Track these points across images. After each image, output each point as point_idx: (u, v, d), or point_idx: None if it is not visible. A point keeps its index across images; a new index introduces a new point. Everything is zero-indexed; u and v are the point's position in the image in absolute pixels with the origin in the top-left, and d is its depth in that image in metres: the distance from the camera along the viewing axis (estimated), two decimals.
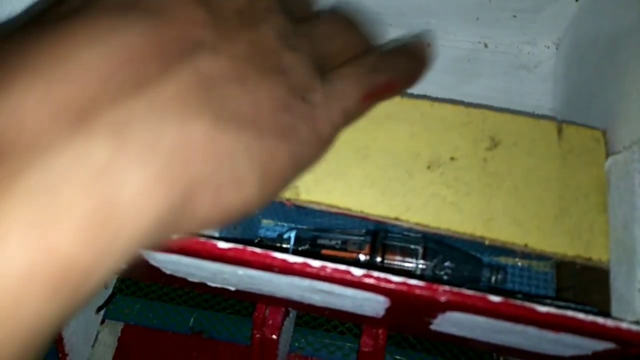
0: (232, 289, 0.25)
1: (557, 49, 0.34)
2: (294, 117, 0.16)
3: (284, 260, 0.17)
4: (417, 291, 0.17)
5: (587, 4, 0.31)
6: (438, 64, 0.35)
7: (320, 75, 0.18)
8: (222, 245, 0.18)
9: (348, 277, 0.17)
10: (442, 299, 0.17)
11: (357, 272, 0.17)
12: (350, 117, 0.20)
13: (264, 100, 0.15)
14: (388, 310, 0.21)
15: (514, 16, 0.34)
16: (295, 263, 0.17)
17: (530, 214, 0.21)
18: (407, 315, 0.22)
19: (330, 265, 0.17)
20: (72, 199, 0.12)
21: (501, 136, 0.23)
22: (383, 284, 0.17)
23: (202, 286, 0.26)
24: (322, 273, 0.17)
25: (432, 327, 0.23)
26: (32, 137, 0.12)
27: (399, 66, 0.23)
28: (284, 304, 0.27)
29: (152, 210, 0.13)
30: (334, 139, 0.19)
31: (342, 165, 0.23)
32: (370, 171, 0.23)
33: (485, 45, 0.36)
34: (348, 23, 0.22)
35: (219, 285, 0.25)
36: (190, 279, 0.24)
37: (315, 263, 0.17)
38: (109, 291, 0.39)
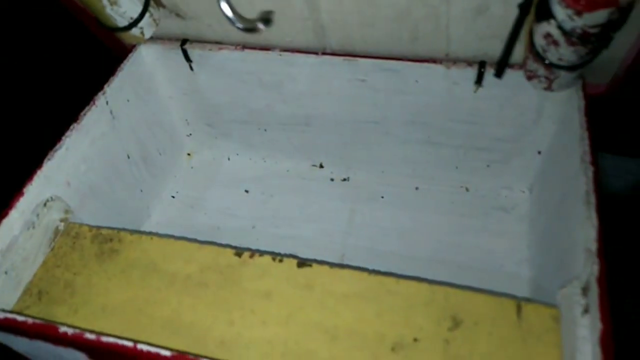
0: None
1: (530, 193, 0.38)
2: None
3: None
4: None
5: (547, 157, 0.34)
6: (426, 204, 0.39)
7: None
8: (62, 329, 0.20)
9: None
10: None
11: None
12: None
13: None
14: None
15: (488, 166, 0.36)
16: None
17: None
18: None
19: None
20: None
21: (463, 315, 0.23)
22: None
23: None
24: None
25: None
26: None
27: None
28: None
29: None
30: None
31: (312, 346, 0.23)
32: (336, 354, 0.23)
33: (467, 189, 0.39)
34: None
35: None
36: None
37: None
38: None
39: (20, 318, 0.22)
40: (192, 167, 0.43)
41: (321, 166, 0.41)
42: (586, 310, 0.21)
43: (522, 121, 0.33)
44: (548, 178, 0.33)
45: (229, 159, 0.43)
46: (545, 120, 0.32)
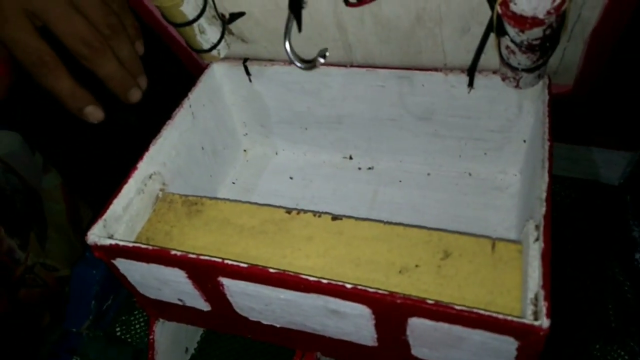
0: (278, 325, 0.35)
1: (521, 176, 0.46)
2: None
3: (306, 279, 0.29)
4: (387, 297, 0.27)
5: (529, 144, 0.43)
6: (436, 186, 0.47)
7: None
8: (271, 270, 0.29)
9: (343, 289, 0.28)
10: (399, 301, 0.27)
11: (348, 285, 0.28)
12: None
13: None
14: (376, 328, 0.31)
15: (485, 154, 0.45)
16: (313, 280, 0.29)
17: (467, 304, 0.27)
18: (389, 332, 0.31)
19: (333, 282, 0.28)
20: None
21: (452, 250, 0.32)
22: (364, 293, 0.28)
23: (257, 327, 0.36)
24: (328, 287, 0.28)
25: (413, 351, 0.32)
26: None
27: None
28: (314, 344, 0.37)
29: None
30: None
31: (340, 271, 0.32)
32: (360, 275, 0.31)
33: (469, 174, 0.47)
34: None
35: (269, 323, 0.35)
36: (251, 317, 0.35)
37: (324, 281, 0.29)
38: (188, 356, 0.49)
39: (143, 246, 0.32)
40: (247, 160, 0.53)
41: (350, 158, 0.51)
42: (537, 239, 0.29)
43: (507, 115, 0.41)
44: (529, 160, 0.41)
45: (276, 153, 0.53)
46: (525, 114, 0.40)
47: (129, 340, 0.53)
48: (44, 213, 0.58)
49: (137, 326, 0.54)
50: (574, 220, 0.51)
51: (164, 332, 0.44)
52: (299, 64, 0.34)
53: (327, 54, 0.35)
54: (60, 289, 0.58)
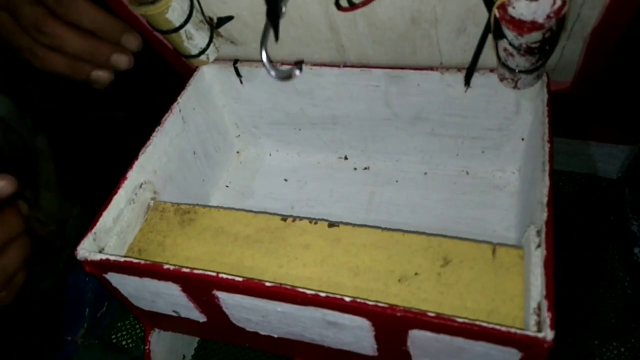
0: (275, 336, 0.35)
1: (519, 173, 0.45)
2: None
3: (304, 292, 0.28)
4: (387, 310, 0.27)
5: (528, 142, 0.42)
6: (433, 185, 0.47)
7: None
8: (267, 283, 0.29)
9: (342, 302, 0.28)
10: (399, 314, 0.27)
11: (347, 298, 0.28)
12: None
13: None
14: (376, 339, 0.30)
15: (483, 152, 0.45)
16: (310, 294, 0.28)
17: (469, 313, 0.28)
18: (390, 343, 0.31)
19: (331, 295, 0.28)
20: None
21: (452, 256, 0.31)
22: (363, 306, 0.27)
23: (254, 337, 0.36)
24: (326, 300, 0.28)
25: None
26: None
27: None
28: (313, 353, 0.36)
29: None
30: None
31: (338, 280, 0.31)
32: (358, 284, 0.31)
33: (467, 173, 0.47)
34: None
35: (267, 333, 0.35)
36: (248, 328, 0.35)
37: (322, 294, 0.28)
38: None
39: (135, 260, 0.31)
40: (240, 162, 0.52)
41: (346, 158, 0.50)
42: (538, 245, 0.29)
43: (505, 114, 0.40)
44: (528, 159, 0.41)
45: (270, 154, 0.52)
46: (523, 112, 0.40)
47: (126, 347, 0.53)
48: (38, 171, 0.57)
49: (133, 332, 0.53)
50: (572, 215, 0.51)
51: (160, 342, 0.43)
52: (273, 73, 0.32)
53: (303, 65, 0.32)
54: (51, 240, 0.58)
